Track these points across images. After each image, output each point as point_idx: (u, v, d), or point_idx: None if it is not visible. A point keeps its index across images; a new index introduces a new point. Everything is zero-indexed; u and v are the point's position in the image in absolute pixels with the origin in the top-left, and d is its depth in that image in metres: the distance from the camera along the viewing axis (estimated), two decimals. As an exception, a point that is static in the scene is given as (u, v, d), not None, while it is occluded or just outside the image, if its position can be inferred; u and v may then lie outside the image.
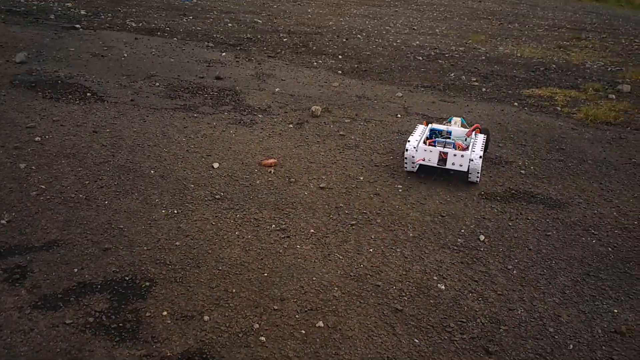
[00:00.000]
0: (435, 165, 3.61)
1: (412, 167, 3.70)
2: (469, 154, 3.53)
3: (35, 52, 5.68)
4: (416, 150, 3.60)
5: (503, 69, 6.98)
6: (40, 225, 2.72)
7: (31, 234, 2.64)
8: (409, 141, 3.67)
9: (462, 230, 3.06)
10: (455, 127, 3.95)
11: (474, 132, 3.86)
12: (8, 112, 4.04)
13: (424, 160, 3.62)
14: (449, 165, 3.56)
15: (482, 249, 2.89)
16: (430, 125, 3.96)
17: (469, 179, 3.61)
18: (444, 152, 3.57)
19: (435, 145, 3.65)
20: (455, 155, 3.54)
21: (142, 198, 3.12)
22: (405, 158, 3.65)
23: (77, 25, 7.23)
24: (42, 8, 8.12)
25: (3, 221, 2.70)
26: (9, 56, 5.42)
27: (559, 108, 5.45)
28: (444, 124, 4.05)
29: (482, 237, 2.99)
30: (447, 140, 3.72)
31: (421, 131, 3.88)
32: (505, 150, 4.28)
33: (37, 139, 3.66)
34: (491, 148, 4.23)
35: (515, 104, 5.51)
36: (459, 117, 4.13)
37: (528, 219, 3.24)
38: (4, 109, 4.07)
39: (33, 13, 7.71)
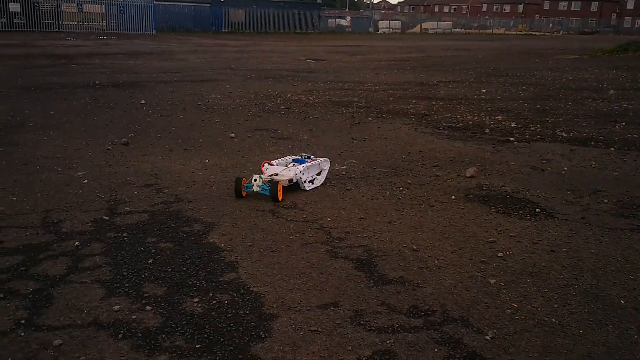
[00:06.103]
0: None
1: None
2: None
3: (480, 166, 6.27)
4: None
5: None
6: (521, 346, 2.83)
7: (514, 354, 2.76)
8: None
9: None
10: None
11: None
12: (468, 225, 4.50)
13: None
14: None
15: None
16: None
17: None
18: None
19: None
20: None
21: (618, 332, 2.93)
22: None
23: (511, 138, 7.73)
24: (476, 123, 9.03)
25: (487, 337, 2.92)
26: (459, 170, 6.12)
27: None
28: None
29: None
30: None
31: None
32: None
33: (499, 254, 3.92)
34: None
35: None
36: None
37: None
38: (464, 222, 4.55)
39: (470, 128, 8.63)
